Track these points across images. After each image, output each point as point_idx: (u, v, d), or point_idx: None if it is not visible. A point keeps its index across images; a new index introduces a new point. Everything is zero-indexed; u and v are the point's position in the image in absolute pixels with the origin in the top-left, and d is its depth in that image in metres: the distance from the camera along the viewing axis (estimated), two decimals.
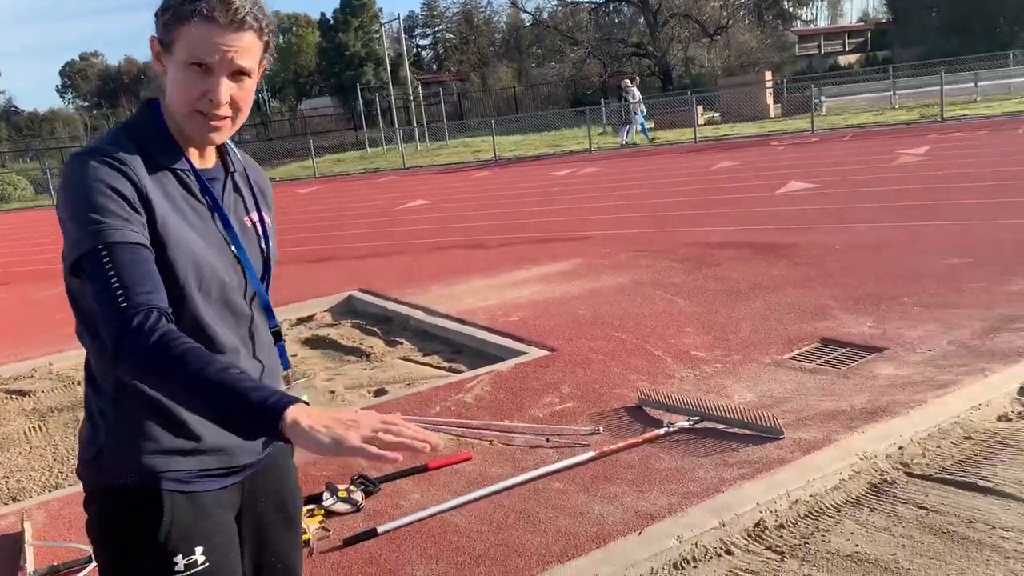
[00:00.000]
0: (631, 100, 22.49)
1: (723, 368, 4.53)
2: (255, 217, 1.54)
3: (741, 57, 49.15)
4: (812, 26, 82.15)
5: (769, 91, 26.77)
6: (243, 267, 1.46)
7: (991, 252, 6.35)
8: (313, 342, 6.27)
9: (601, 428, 3.85)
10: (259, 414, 1.16)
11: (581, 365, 4.76)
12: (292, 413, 1.15)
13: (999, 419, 3.58)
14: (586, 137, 23.21)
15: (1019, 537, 2.66)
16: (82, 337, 1.40)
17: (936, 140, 14.55)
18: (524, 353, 5.04)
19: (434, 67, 76.21)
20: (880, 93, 26.83)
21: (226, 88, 1.36)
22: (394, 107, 44.31)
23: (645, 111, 23.86)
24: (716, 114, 27.88)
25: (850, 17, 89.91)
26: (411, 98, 42.72)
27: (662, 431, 3.71)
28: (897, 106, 23.76)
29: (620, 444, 3.61)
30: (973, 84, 23.13)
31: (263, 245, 1.53)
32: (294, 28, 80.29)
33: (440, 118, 41.01)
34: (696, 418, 3.79)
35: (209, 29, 1.32)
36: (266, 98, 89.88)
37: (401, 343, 5.94)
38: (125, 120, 1.46)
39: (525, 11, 54.70)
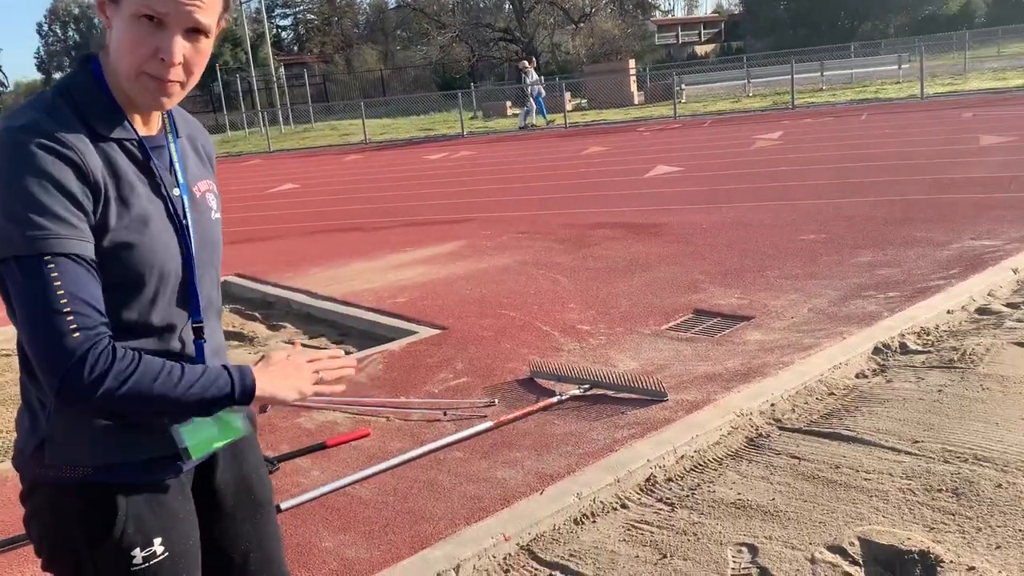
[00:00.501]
0: (528, 81, 22.45)
1: (607, 340, 4.74)
2: (203, 186, 1.42)
3: (604, 45, 50.35)
4: (670, 16, 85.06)
5: (633, 78, 27.64)
6: (187, 250, 1.34)
7: (842, 228, 6.88)
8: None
9: (496, 400, 3.96)
10: (235, 399, 1.26)
11: (473, 342, 4.86)
12: (259, 384, 1.28)
13: (857, 376, 3.94)
14: (457, 121, 23.29)
15: (879, 478, 2.96)
16: (15, 325, 1.25)
17: (788, 126, 15.49)
18: (415, 333, 5.09)
19: (295, 49, 74.11)
20: (735, 81, 28.23)
21: (180, 46, 1.21)
22: (255, 89, 42.86)
23: (543, 92, 23.79)
24: (583, 100, 28.55)
25: (705, 9, 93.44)
26: (274, 80, 41.45)
27: (555, 399, 3.87)
28: (751, 94, 25.08)
29: (516, 413, 3.74)
30: (819, 74, 24.68)
31: (213, 216, 1.42)
32: None
33: (305, 100, 40.03)
34: (586, 386, 3.97)
35: None
36: None
37: (284, 327, 5.86)
38: (59, 81, 1.29)
39: None
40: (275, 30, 68.04)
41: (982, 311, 4.63)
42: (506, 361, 4.51)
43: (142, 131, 1.32)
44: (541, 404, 3.83)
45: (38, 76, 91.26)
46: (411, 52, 57.21)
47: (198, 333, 1.37)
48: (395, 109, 33.90)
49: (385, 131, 25.97)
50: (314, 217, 10.63)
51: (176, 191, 1.34)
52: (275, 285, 6.75)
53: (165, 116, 1.38)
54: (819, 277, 5.57)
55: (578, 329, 4.97)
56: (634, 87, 27.83)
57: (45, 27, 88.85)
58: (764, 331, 4.61)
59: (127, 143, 1.28)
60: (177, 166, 1.36)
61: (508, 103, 30.09)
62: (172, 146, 1.37)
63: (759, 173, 10.30)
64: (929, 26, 46.75)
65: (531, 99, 22.65)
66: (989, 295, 4.83)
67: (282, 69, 42.08)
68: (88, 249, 1.18)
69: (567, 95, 25.66)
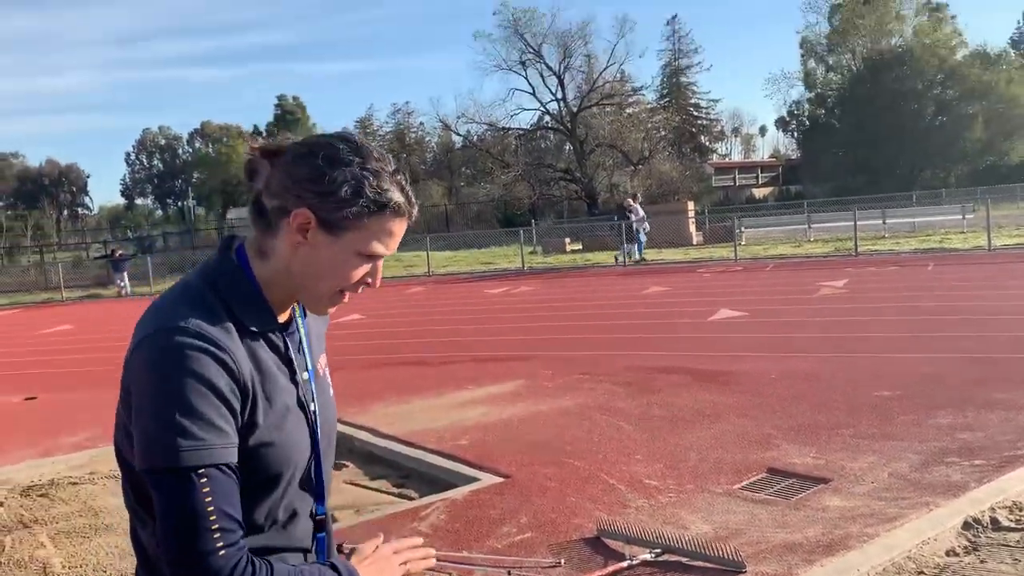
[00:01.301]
0: (633, 218, 22.30)
1: (677, 498, 4.58)
2: (323, 361, 1.45)
3: (662, 186, 51.54)
4: (727, 160, 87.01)
5: (692, 219, 28.01)
6: (315, 440, 1.35)
7: (916, 385, 6.66)
8: None
9: (563, 560, 3.82)
10: None
11: (537, 493, 4.74)
12: None
13: (947, 553, 3.70)
14: (518, 255, 23.71)
15: None
16: (138, 515, 1.28)
17: (852, 273, 15.37)
18: (477, 479, 5.00)
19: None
20: (795, 226, 28.38)
21: None
22: None
23: (648, 228, 23.51)
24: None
25: (762, 153, 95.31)
26: None
27: (625, 564, 3.70)
28: (812, 239, 25.10)
29: None
30: (881, 221, 24.67)
31: (331, 392, 1.46)
32: (224, 139, 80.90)
33: None
34: (658, 550, 3.80)
35: (399, 223, 1.28)
36: (191, 206, 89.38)
37: (346, 466, 5.82)
38: (205, 269, 1.30)
39: (458, 133, 56.53)
40: None
41: None
42: (571, 516, 4.37)
43: (280, 319, 1.34)
44: (611, 568, 3.67)
45: (121, 201, 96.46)
46: (475, 188, 59.19)
47: (319, 526, 1.38)
48: (458, 242, 34.79)
49: (448, 264, 26.56)
50: (378, 349, 10.75)
51: (304, 375, 1.35)
52: (338, 421, 6.75)
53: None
54: (897, 438, 5.35)
55: (646, 484, 4.82)
56: (693, 228, 28.17)
57: (132, 156, 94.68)
58: (843, 496, 4.40)
59: (270, 335, 1.31)
60: (306, 349, 1.38)
61: (567, 239, 30.65)
62: (301, 328, 1.39)
63: (826, 322, 10.16)
64: (991, 176, 46.82)
65: (636, 235, 22.33)
66: None
67: None
68: (235, 455, 1.20)
69: (622, 233, 26.05)
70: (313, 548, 1.37)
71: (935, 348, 8.06)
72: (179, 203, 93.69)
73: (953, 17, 58.89)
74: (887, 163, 52.74)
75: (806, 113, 62.68)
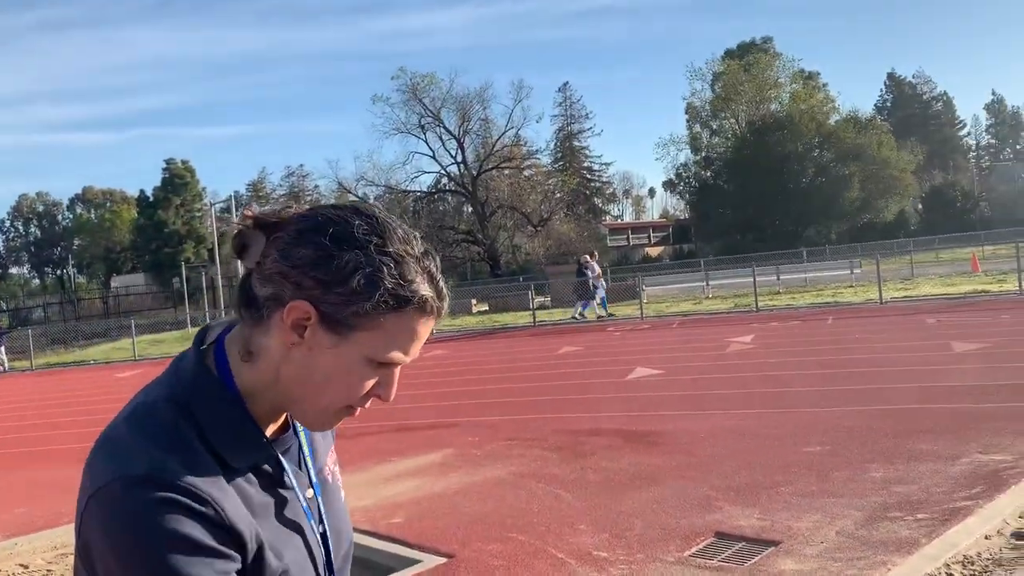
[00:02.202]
0: (590, 275, 22.09)
1: (629, 570, 4.40)
2: (330, 461, 1.20)
3: (561, 246, 52.45)
4: (619, 221, 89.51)
5: None
6: (329, 561, 1.11)
7: (842, 440, 6.75)
8: None
9: None
10: None
11: (484, 573, 4.48)
12: None
13: None
14: None
15: None
16: None
17: (757, 329, 15.78)
18: (418, 561, 4.70)
19: None
20: (692, 283, 29.22)
21: None
22: (218, 286, 43.14)
23: (605, 285, 23.29)
24: (547, 299, 29.11)
25: (652, 214, 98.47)
26: (238, 276, 41.82)
27: None
28: (711, 295, 25.82)
29: None
30: (776, 277, 25.64)
31: (342, 495, 1.21)
32: (108, 203, 77.92)
33: None
34: None
35: (424, 322, 1.01)
36: (71, 274, 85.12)
37: None
38: (175, 383, 1.02)
39: (354, 195, 56.07)
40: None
41: (1019, 536, 4.42)
42: None
43: (270, 431, 1.06)
44: None
45: None
46: None
47: None
48: None
49: None
50: None
51: (310, 492, 1.10)
52: None
53: None
54: (836, 495, 5.35)
55: (595, 556, 4.63)
56: None
57: (7, 223, 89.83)
58: (797, 559, 4.32)
59: (266, 467, 1.04)
60: (308, 460, 1.12)
61: (473, 301, 30.57)
62: (302, 436, 1.13)
63: (743, 378, 10.30)
64: (868, 233, 49.69)
65: (594, 291, 22.09)
66: (1021, 517, 4.65)
67: None
68: None
69: (530, 294, 26.20)
70: None
71: (851, 401, 8.24)
72: (58, 271, 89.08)
73: (825, 85, 63.07)
74: (773, 222, 55.35)
75: (693, 175, 65.30)
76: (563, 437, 7.76)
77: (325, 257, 0.95)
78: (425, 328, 1.01)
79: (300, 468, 1.10)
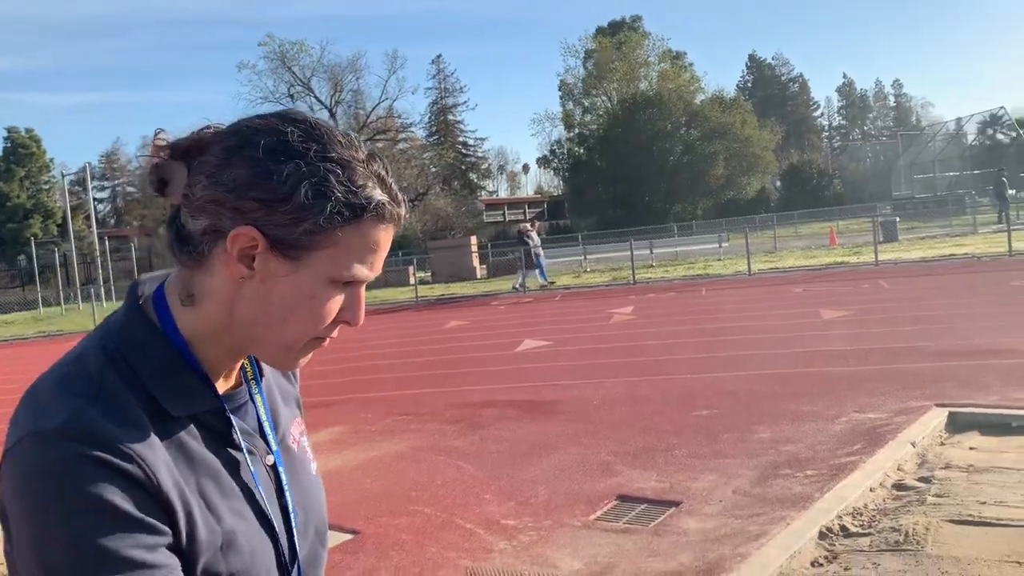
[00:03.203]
0: (531, 244, 21.45)
1: (538, 536, 4.43)
2: (295, 431, 1.08)
3: (438, 221, 52.28)
4: (495, 196, 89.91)
5: (475, 254, 28.47)
6: (292, 540, 0.99)
7: (729, 403, 7.02)
8: None
9: None
10: None
11: (393, 547, 4.40)
12: None
13: (813, 564, 3.83)
14: None
15: None
16: None
17: (636, 300, 16.21)
18: None
19: (111, 222, 71.89)
20: (569, 257, 29.74)
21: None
22: (72, 263, 40.62)
23: (543, 254, 22.60)
24: (427, 274, 28.96)
25: (527, 189, 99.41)
26: (96, 253, 39.56)
27: None
28: (589, 269, 26.34)
29: None
30: (649, 251, 26.42)
31: (314, 468, 1.08)
32: None
33: (126, 275, 38.19)
34: None
35: (384, 231, 0.91)
36: None
37: None
38: (106, 331, 0.92)
39: None
40: (91, 202, 66.03)
41: (899, 487, 4.72)
42: (436, 569, 4.08)
43: (222, 389, 0.96)
44: None
45: None
46: None
47: None
48: None
49: None
50: None
51: (270, 459, 0.99)
52: None
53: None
54: (728, 455, 5.56)
55: (503, 525, 4.63)
56: (477, 262, 28.64)
57: None
58: (699, 518, 4.46)
59: (204, 416, 0.92)
60: (267, 425, 1.00)
61: None
62: (258, 397, 1.01)
63: (629, 347, 10.55)
64: (732, 208, 51.89)
65: (539, 259, 21.54)
66: (899, 470, 4.96)
67: (106, 241, 40.21)
68: None
69: (411, 269, 26.01)
70: None
71: (733, 367, 8.58)
72: None
73: (691, 64, 65.18)
74: (643, 197, 56.94)
75: (567, 151, 66.29)
76: (458, 410, 7.73)
77: (262, 173, 0.85)
78: (385, 237, 0.91)
79: (257, 433, 0.99)
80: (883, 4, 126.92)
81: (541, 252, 22.14)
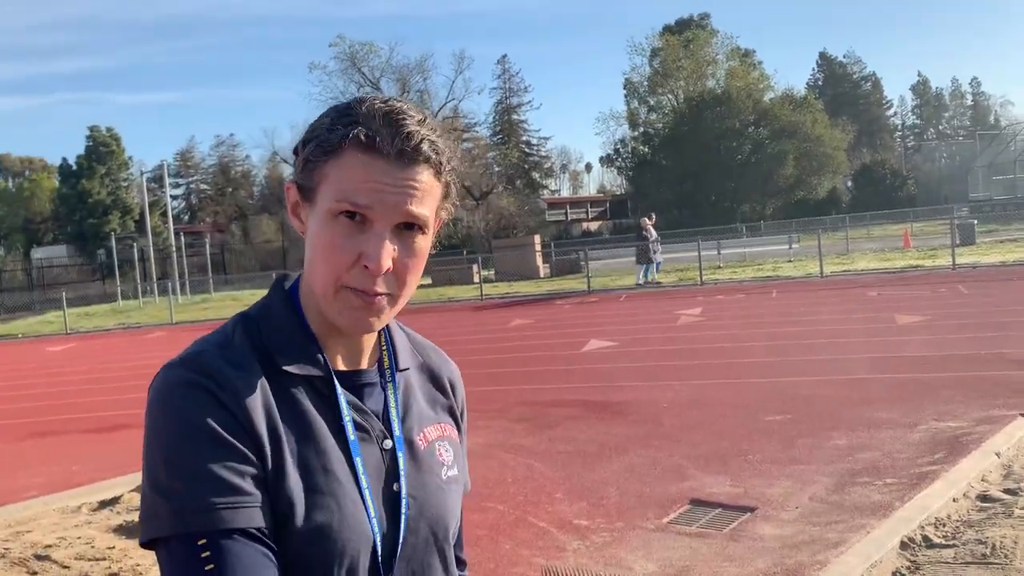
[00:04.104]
0: (650, 239, 20.93)
1: (611, 537, 4.43)
2: (432, 433, 1.08)
3: (501, 220, 52.44)
4: (557, 196, 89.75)
5: (539, 253, 28.51)
6: (396, 527, 0.99)
7: (803, 409, 6.90)
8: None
9: None
10: None
11: (468, 543, 4.45)
12: None
13: (894, 575, 3.75)
14: None
15: None
16: None
17: (703, 302, 16.03)
18: None
19: (185, 218, 73.96)
20: (633, 258, 29.49)
21: (388, 250, 0.93)
22: (149, 258, 41.94)
23: (661, 250, 21.83)
24: (491, 272, 29.09)
25: (589, 189, 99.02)
26: (172, 248, 40.80)
27: None
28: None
29: None
30: (716, 252, 26.06)
31: (446, 474, 1.07)
32: (27, 172, 74.84)
33: (198, 271, 39.29)
34: None
35: (369, 162, 0.92)
36: None
37: None
38: (251, 308, 1.04)
39: (290, 164, 54.91)
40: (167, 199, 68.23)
41: (984, 498, 4.59)
42: (511, 566, 4.12)
43: (344, 365, 1.02)
44: None
45: None
46: None
47: None
48: None
49: None
50: None
51: (388, 443, 1.01)
52: None
53: (384, 344, 1.07)
54: (803, 462, 5.47)
55: (576, 525, 4.65)
56: (540, 261, 28.67)
57: None
58: (775, 524, 4.41)
59: (316, 380, 0.98)
60: (393, 411, 1.03)
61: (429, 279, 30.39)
62: (390, 386, 1.05)
63: (697, 349, 10.46)
64: (801, 209, 50.79)
65: (652, 255, 20.89)
66: (983, 480, 4.82)
67: (181, 236, 41.45)
68: (257, 518, 0.88)
69: (475, 268, 26.18)
70: None
71: (806, 371, 8.44)
72: None
73: (760, 62, 63.98)
74: (709, 197, 56.15)
75: (631, 150, 65.75)
76: (527, 408, 7.77)
77: (302, 140, 0.98)
78: (379, 169, 0.92)
79: (380, 418, 1.02)
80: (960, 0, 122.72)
81: (659, 248, 21.32)
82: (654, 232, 21.18)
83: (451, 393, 1.18)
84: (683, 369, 9.16)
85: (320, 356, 0.99)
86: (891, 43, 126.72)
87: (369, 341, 1.05)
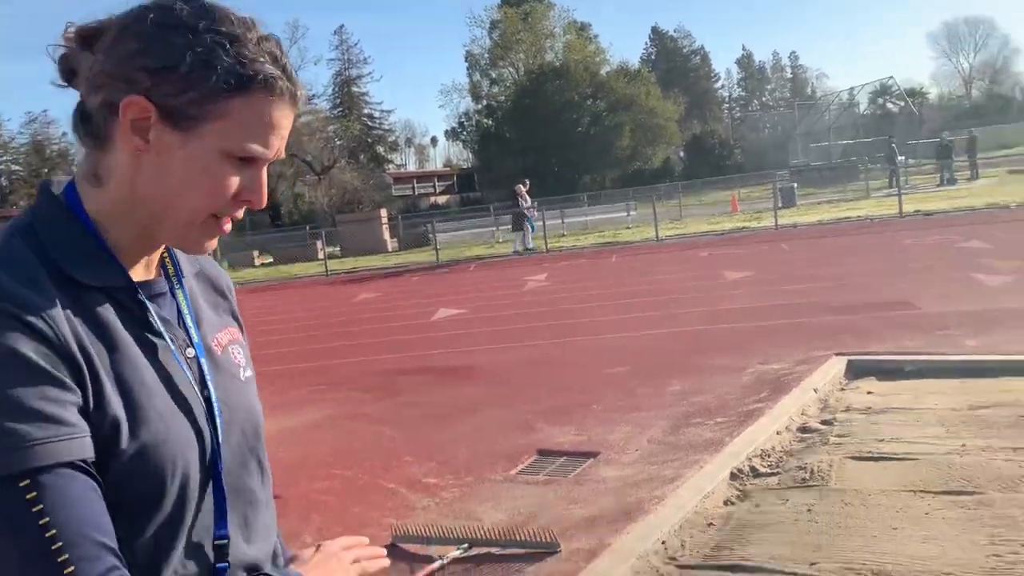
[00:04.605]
0: (525, 205, 20.60)
1: (461, 492, 4.47)
2: (224, 337, 1.07)
3: (345, 195, 51.37)
4: (403, 169, 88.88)
5: (386, 227, 28.17)
6: (214, 433, 0.97)
7: (640, 361, 7.19)
8: None
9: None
10: None
11: (315, 510, 4.37)
12: None
13: (725, 503, 3.98)
14: None
15: None
16: None
17: (550, 268, 16.39)
18: None
19: None
20: (480, 228, 29.77)
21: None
22: None
23: (536, 216, 21.53)
24: (336, 248, 28.50)
25: (435, 163, 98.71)
26: None
27: (436, 564, 3.52)
28: (502, 240, 26.42)
29: None
30: (560, 221, 26.67)
31: (244, 375, 1.07)
32: None
33: None
34: (465, 546, 3.66)
35: (278, 108, 0.92)
36: None
37: None
38: (17, 217, 0.94)
39: None
40: None
41: (803, 430, 4.94)
42: (361, 527, 4.07)
43: (137, 276, 0.97)
44: (424, 572, 3.46)
45: None
46: None
47: (220, 554, 0.98)
48: None
49: None
50: None
51: (191, 351, 0.99)
52: None
53: (165, 252, 1.04)
54: (642, 408, 5.71)
55: (425, 483, 4.66)
56: (387, 235, 28.35)
57: None
58: (616, 466, 4.59)
59: (118, 293, 0.93)
60: (188, 317, 1.02)
61: (256, 252, 29.31)
62: (179, 292, 1.03)
63: (543, 312, 10.68)
64: (638, 178, 52.71)
65: (530, 221, 20.67)
66: (803, 414, 5.19)
67: None
68: (81, 449, 0.83)
69: (319, 243, 25.55)
70: None
71: (644, 327, 8.79)
72: None
73: (596, 36, 65.58)
74: (553, 169, 57.21)
75: (475, 123, 65.96)
76: (374, 378, 7.69)
77: (151, 44, 0.88)
78: (281, 115, 0.93)
79: (178, 324, 1.00)
80: None
81: (534, 215, 21.32)
82: (528, 199, 21.28)
83: (230, 297, 1.16)
84: (530, 331, 9.33)
85: (120, 267, 0.94)
86: (718, 18, 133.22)
87: (159, 251, 1.02)
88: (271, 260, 28.05)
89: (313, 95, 58.38)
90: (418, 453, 5.22)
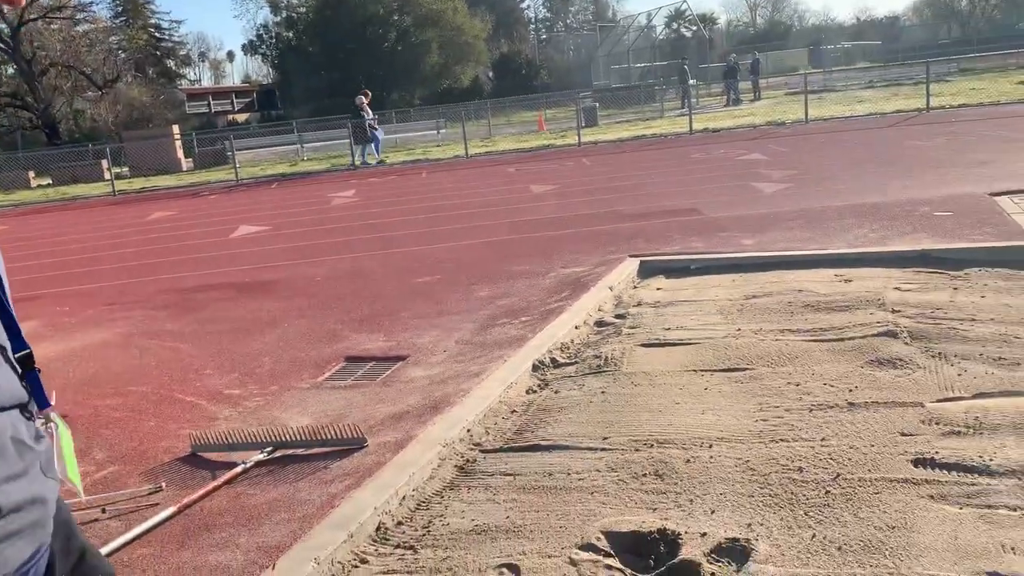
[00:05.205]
0: (367, 117, 19.45)
1: (264, 401, 4.39)
2: None
3: (134, 111, 47.49)
4: (197, 86, 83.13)
5: (179, 145, 26.36)
6: None
7: (451, 270, 7.28)
8: None
9: (164, 484, 3.41)
10: None
11: (105, 426, 4.14)
12: None
13: (528, 392, 4.16)
14: None
15: (591, 476, 3.15)
16: None
17: (357, 184, 16.05)
18: None
19: None
20: (284, 146, 28.58)
21: None
22: None
23: (380, 129, 20.45)
24: (124, 169, 26.37)
25: (233, 79, 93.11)
26: None
27: (239, 469, 3.45)
28: (306, 158, 25.50)
29: (199, 492, 3.25)
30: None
31: None
32: None
33: None
34: (269, 448, 3.61)
35: None
36: None
37: None
38: None
39: None
40: None
41: (599, 324, 5.22)
42: (157, 440, 3.91)
43: None
44: (225, 477, 3.39)
45: None
46: None
47: (27, 364, 1.07)
48: None
49: None
50: None
51: None
52: None
53: None
54: (450, 313, 5.81)
55: (227, 395, 4.52)
56: (181, 153, 26.56)
57: None
58: (425, 367, 4.66)
59: None
60: None
61: (31, 173, 26.56)
62: None
63: (351, 227, 10.48)
64: (448, 96, 52.30)
65: (375, 132, 19.80)
66: (599, 310, 5.48)
67: None
68: None
69: (104, 163, 23.56)
70: (29, 394, 1.03)
71: (452, 238, 8.86)
72: None
73: None
74: (360, 85, 55.48)
75: (275, 36, 62.49)
76: (170, 296, 7.29)
77: None
78: None
79: None
80: None
81: (378, 127, 20.82)
82: (370, 111, 20.62)
83: None
84: (336, 246, 9.15)
85: None
86: None
87: None
88: (49, 182, 25.54)
89: (91, 1, 53.01)
90: (219, 367, 5.05)
